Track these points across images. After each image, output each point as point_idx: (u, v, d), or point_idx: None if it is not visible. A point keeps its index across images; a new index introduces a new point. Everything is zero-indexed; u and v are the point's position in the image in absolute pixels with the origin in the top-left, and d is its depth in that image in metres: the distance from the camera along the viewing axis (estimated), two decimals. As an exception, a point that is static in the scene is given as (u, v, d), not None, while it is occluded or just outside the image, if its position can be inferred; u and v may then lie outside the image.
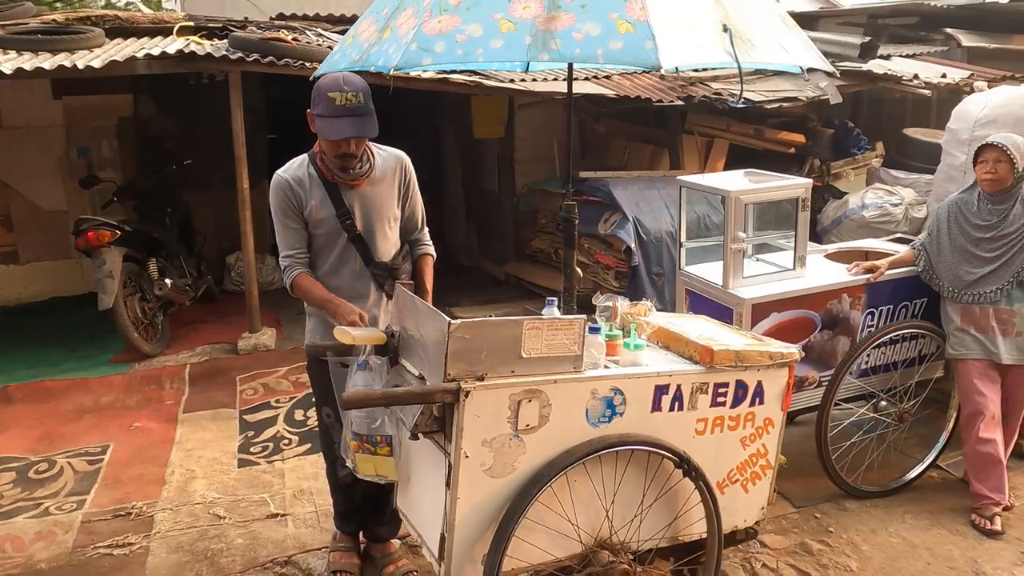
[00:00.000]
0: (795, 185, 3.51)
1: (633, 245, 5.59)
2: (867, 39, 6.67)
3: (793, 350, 2.61)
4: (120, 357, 5.61)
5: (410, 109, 6.66)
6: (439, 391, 2.11)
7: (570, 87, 2.79)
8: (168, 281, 5.93)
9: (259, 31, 6.12)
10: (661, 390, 2.40)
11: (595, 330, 2.41)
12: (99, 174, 6.56)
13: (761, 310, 3.37)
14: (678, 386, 2.42)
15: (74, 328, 6.23)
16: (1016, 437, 3.62)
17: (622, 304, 2.69)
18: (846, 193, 6.75)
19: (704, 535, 2.57)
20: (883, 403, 3.71)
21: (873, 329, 3.61)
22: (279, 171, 2.71)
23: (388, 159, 2.78)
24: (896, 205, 6.14)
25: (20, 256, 7.10)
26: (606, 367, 2.40)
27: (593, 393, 2.29)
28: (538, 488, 2.20)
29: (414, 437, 2.23)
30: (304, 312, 2.88)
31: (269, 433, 4.44)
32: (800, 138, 6.95)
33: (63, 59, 4.85)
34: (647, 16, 1.82)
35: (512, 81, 5.85)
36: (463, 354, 2.11)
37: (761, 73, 6.67)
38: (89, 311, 5.75)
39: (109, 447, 4.30)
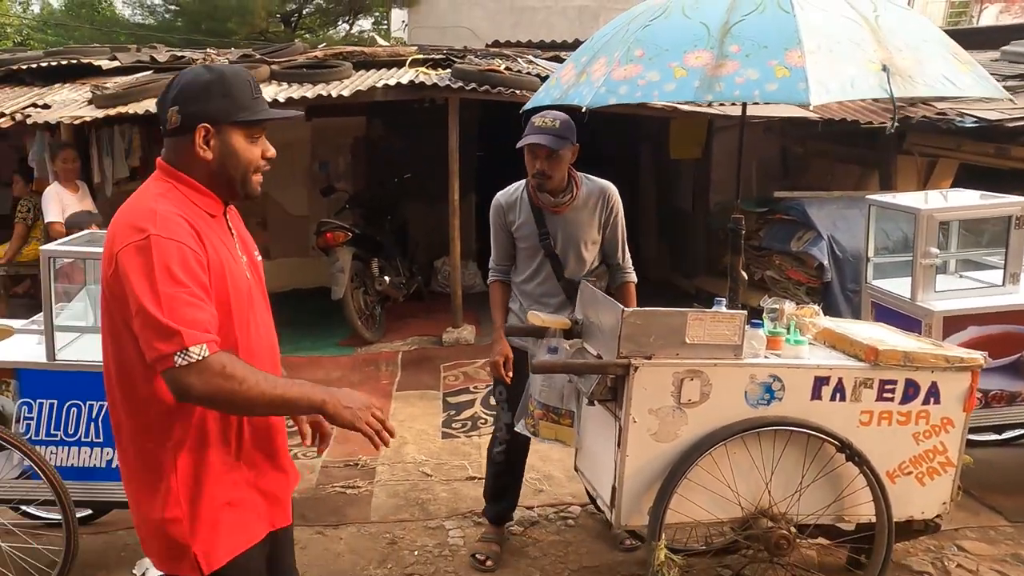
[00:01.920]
0: (1006, 204, 3.52)
1: (826, 262, 5.63)
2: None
3: (977, 356, 2.70)
4: (346, 341, 6.53)
5: (610, 132, 7.10)
6: (612, 364, 2.51)
7: (743, 116, 3.05)
8: (387, 278, 6.79)
9: (477, 60, 6.88)
10: (821, 381, 2.62)
11: (757, 324, 2.68)
12: (336, 185, 7.65)
13: (955, 323, 3.42)
14: (839, 379, 2.62)
15: (310, 315, 7.27)
16: None
17: (788, 306, 2.92)
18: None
19: (872, 519, 2.72)
20: None
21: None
22: (499, 193, 3.20)
23: (593, 189, 3.15)
24: None
25: (271, 252, 8.39)
26: (766, 357, 2.66)
27: (752, 378, 2.57)
28: (699, 454, 2.51)
29: (591, 403, 2.63)
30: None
31: (468, 413, 5.04)
32: (1053, 157, 6.49)
33: (321, 89, 5.84)
34: (804, 63, 2.11)
35: (710, 105, 6.08)
36: (634, 336, 2.49)
37: (1012, 91, 6.33)
38: (321, 302, 6.73)
39: (339, 412, 5.11)
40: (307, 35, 15.86)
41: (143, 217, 1.59)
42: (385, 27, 16.97)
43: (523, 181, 3.15)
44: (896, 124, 2.23)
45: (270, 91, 5.82)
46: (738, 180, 2.83)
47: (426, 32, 13.79)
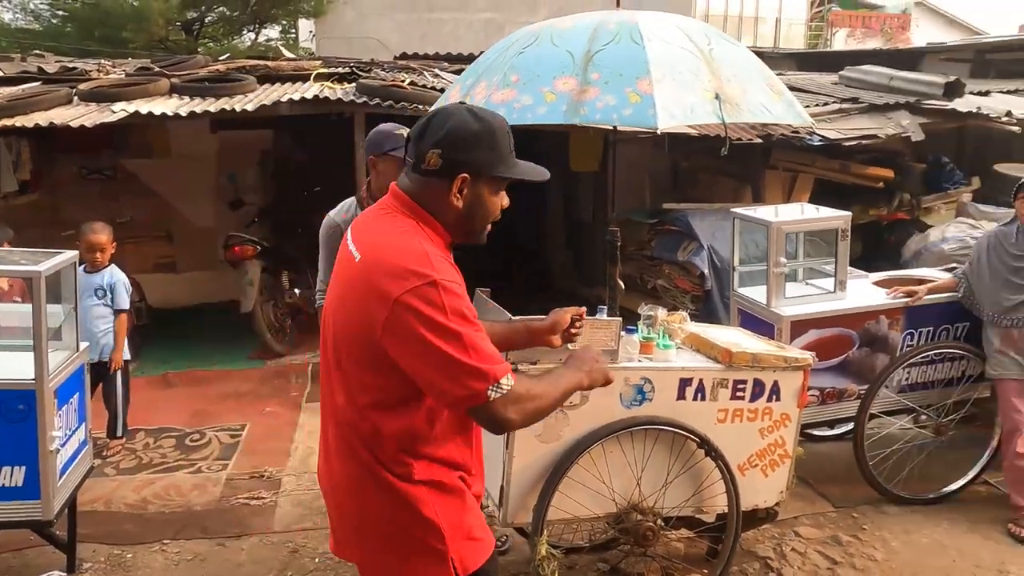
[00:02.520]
0: (834, 218, 3.92)
1: (707, 271, 6.03)
2: (952, 79, 6.84)
3: (807, 356, 3.06)
4: (256, 354, 6.56)
5: (517, 145, 7.34)
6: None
7: (614, 133, 3.29)
8: (297, 291, 6.85)
9: (383, 73, 7.01)
10: (685, 382, 2.92)
11: (631, 331, 2.96)
12: (244, 198, 7.64)
13: (800, 326, 3.80)
14: (700, 380, 2.93)
15: (219, 329, 7.24)
16: None
17: (661, 313, 3.22)
18: (931, 227, 6.90)
19: (726, 509, 3.04)
20: (923, 417, 4.01)
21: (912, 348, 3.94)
22: (330, 212, 3.18)
23: None
24: (978, 238, 6.26)
25: (178, 266, 8.27)
26: (639, 361, 2.94)
27: (626, 380, 2.84)
28: (577, 453, 2.77)
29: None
30: None
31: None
32: (888, 173, 7.15)
33: (224, 103, 5.87)
34: (652, 90, 2.39)
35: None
36: (519, 343, 2.72)
37: (844, 112, 6.97)
38: (232, 315, 6.74)
39: (247, 425, 5.16)
40: (211, 44, 15.51)
41: (418, 260, 1.60)
42: (293, 37, 16.80)
43: (353, 199, 3.19)
44: (727, 149, 2.53)
45: (171, 104, 5.81)
46: (612, 195, 3.10)
47: (334, 43, 13.79)
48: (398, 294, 1.57)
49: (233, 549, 3.64)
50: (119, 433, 4.70)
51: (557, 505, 2.79)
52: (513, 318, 2.73)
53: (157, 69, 6.89)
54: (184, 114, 5.58)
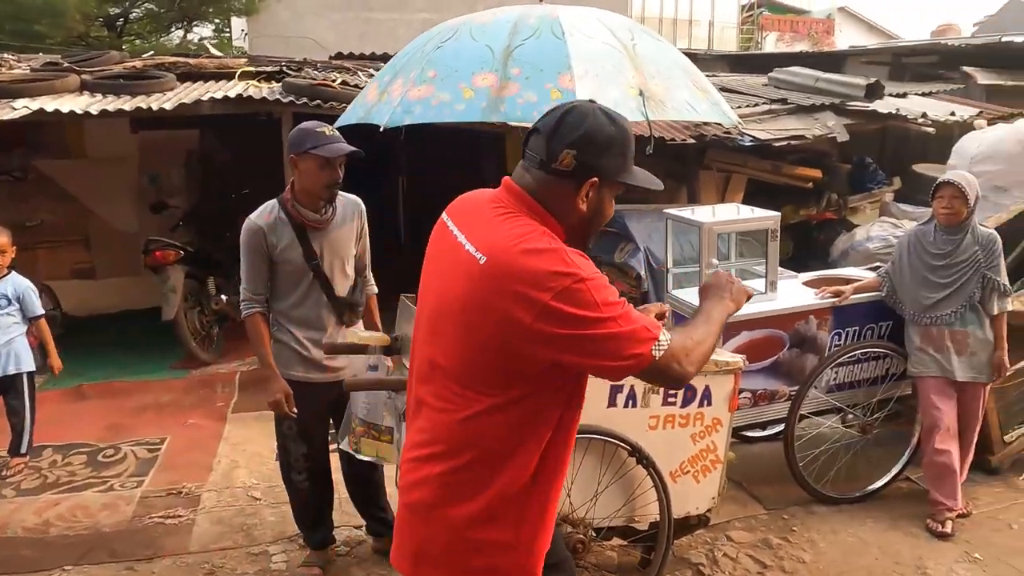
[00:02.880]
0: (764, 218, 3.92)
1: (643, 273, 6.02)
2: (872, 80, 7.01)
3: (738, 359, 3.02)
4: (179, 363, 6.28)
5: (457, 144, 7.21)
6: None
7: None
8: (224, 297, 6.57)
9: (315, 73, 6.81)
10: (616, 388, 2.85)
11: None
12: (168, 201, 7.32)
13: (732, 328, 3.77)
14: (631, 386, 2.87)
15: (141, 337, 6.94)
16: (972, 451, 3.90)
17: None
18: (857, 226, 7.06)
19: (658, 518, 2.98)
20: (850, 416, 4.05)
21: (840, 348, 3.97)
22: (251, 216, 3.01)
23: (348, 204, 3.15)
24: (899, 237, 6.42)
25: (97, 272, 7.89)
26: (568, 367, 2.85)
27: (554, 388, 2.75)
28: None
29: (404, 419, 2.72)
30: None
31: (304, 432, 4.98)
32: (816, 173, 7.30)
33: (140, 101, 5.59)
34: (574, 86, 2.31)
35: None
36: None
37: (774, 113, 7.08)
38: (155, 322, 6.42)
39: (167, 439, 4.90)
40: (137, 41, 14.92)
41: (559, 261, 1.56)
42: (228, 36, 16.30)
43: (274, 201, 3.05)
44: (651, 148, 2.47)
45: (81, 102, 5.51)
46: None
47: (269, 42, 13.45)
48: (547, 298, 1.54)
49: (143, 573, 3.43)
50: (23, 450, 4.41)
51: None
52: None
53: (66, 65, 6.53)
54: (95, 112, 5.30)
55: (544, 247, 1.58)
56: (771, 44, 21.97)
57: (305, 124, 2.99)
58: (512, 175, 1.72)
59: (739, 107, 7.07)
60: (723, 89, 8.17)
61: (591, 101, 1.71)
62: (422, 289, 1.81)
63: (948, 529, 3.65)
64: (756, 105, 7.21)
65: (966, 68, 8.41)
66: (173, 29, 15.40)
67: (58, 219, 7.60)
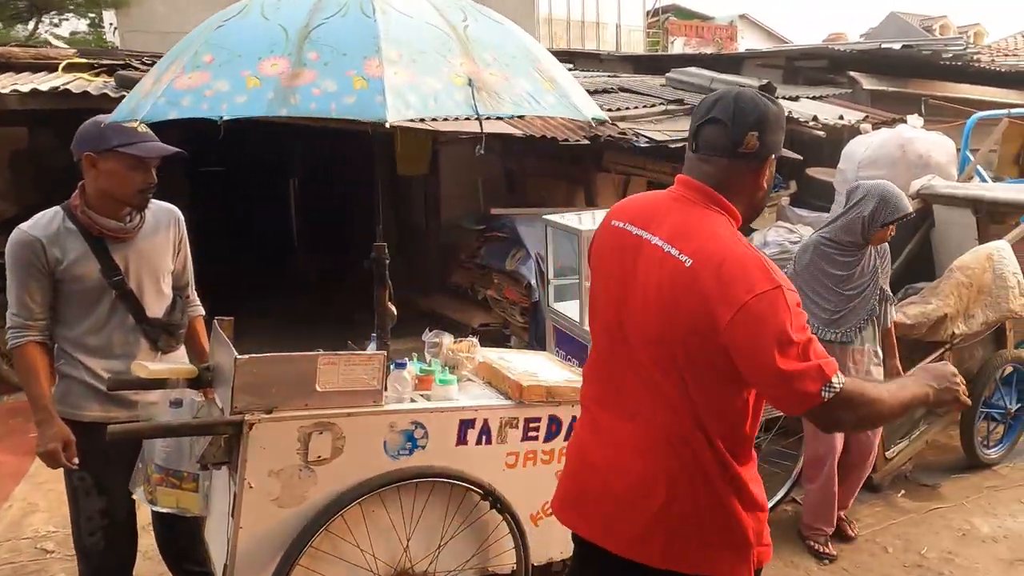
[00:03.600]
0: None
1: (534, 281, 5.70)
2: (765, 82, 6.93)
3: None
4: (-8, 389, 5.55)
5: (346, 144, 6.74)
6: (221, 423, 2.17)
7: (375, 131, 2.80)
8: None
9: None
10: (467, 424, 2.47)
11: (400, 365, 2.49)
12: (-9, 206, 6.51)
13: None
14: (485, 420, 2.50)
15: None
16: (867, 471, 3.72)
17: (447, 340, 2.78)
18: (754, 231, 6.96)
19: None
20: None
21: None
22: (22, 226, 2.50)
23: (160, 212, 2.71)
24: (795, 243, 6.32)
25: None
26: (412, 400, 2.47)
27: (392, 426, 2.36)
28: (326, 519, 2.25)
29: (203, 468, 2.28)
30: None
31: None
32: (714, 177, 7.17)
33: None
34: (382, 73, 1.93)
35: (422, 121, 5.95)
36: (251, 387, 2.18)
37: (670, 114, 6.91)
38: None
39: (-45, 478, 4.24)
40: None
41: (761, 266, 1.61)
42: (102, 30, 15.19)
43: (56, 209, 2.57)
44: (482, 148, 2.13)
45: None
46: (377, 205, 2.63)
47: (145, 37, 12.58)
48: (747, 298, 1.58)
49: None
50: None
51: (305, 584, 2.27)
52: (238, 356, 2.20)
53: None
54: None
55: (747, 251, 1.63)
56: (679, 48, 22.28)
57: (104, 118, 2.49)
58: (684, 171, 1.77)
59: (636, 107, 6.86)
60: (622, 89, 7.98)
61: (749, 86, 1.78)
62: (601, 296, 1.84)
63: (831, 549, 3.48)
64: (653, 105, 7.01)
65: (852, 73, 8.52)
66: (33, 22, 14.12)
67: None
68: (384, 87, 1.91)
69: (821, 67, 9.05)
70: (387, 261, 2.63)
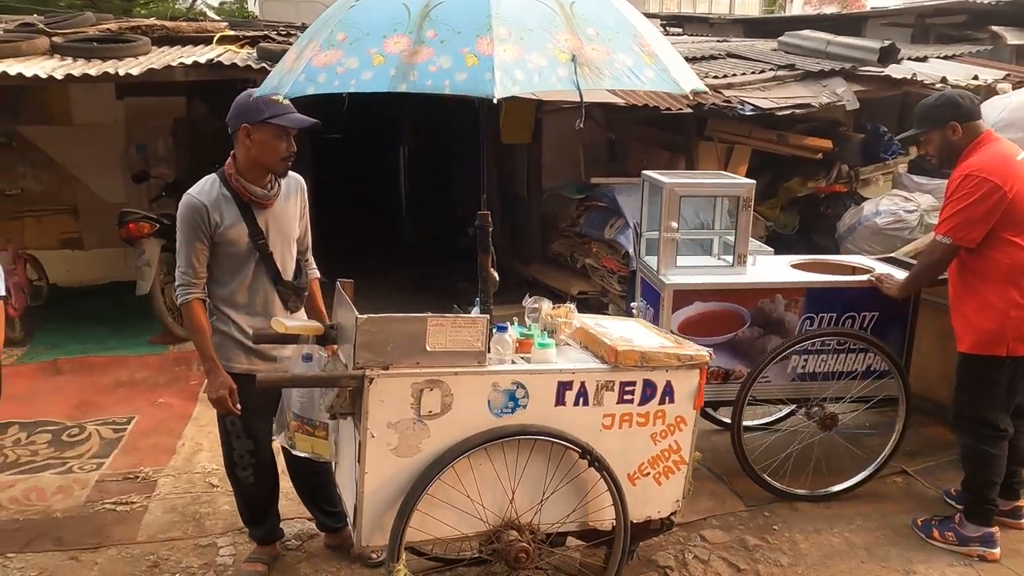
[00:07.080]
0: (735, 185, 3.64)
1: (632, 250, 5.73)
2: (887, 43, 6.59)
3: (704, 352, 2.77)
4: (157, 339, 6.13)
5: (457, 113, 6.91)
6: (345, 377, 2.40)
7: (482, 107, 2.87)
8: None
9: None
10: (565, 386, 2.61)
11: (502, 329, 2.64)
12: (154, 170, 7.12)
13: (683, 297, 3.55)
14: (582, 383, 2.63)
15: (123, 311, 6.77)
16: None
17: (545, 306, 2.91)
18: (867, 199, 6.70)
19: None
20: (815, 409, 3.76)
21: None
22: (190, 191, 2.79)
23: (290, 180, 2.95)
24: (911, 212, 6.07)
25: (84, 243, 7.76)
26: (513, 363, 2.63)
27: (495, 386, 2.53)
28: (439, 469, 2.46)
29: (332, 417, 2.53)
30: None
31: (276, 413, 4.83)
32: (826, 143, 6.92)
33: (110, 66, 5.36)
34: (492, 50, 2.03)
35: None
36: (370, 345, 2.39)
37: (780, 80, 6.69)
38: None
39: (134, 418, 4.77)
40: (141, 9, 14.60)
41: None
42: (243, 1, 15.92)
43: (213, 176, 2.84)
44: (583, 122, 2.20)
45: (47, 66, 5.29)
46: (483, 174, 2.76)
47: (280, 6, 13.14)
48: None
49: (86, 563, 3.28)
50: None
51: (417, 526, 2.49)
52: (359, 316, 2.41)
53: (40, 26, 6.29)
54: (60, 76, 5.07)
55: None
56: (797, 9, 21.12)
57: (251, 91, 2.78)
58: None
59: (744, 73, 6.69)
60: (731, 55, 7.76)
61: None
62: None
63: None
64: (762, 71, 6.81)
65: (995, 28, 7.89)
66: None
67: (44, 187, 7.47)
68: (494, 64, 2.03)
69: (958, 23, 8.44)
70: (490, 229, 2.77)
